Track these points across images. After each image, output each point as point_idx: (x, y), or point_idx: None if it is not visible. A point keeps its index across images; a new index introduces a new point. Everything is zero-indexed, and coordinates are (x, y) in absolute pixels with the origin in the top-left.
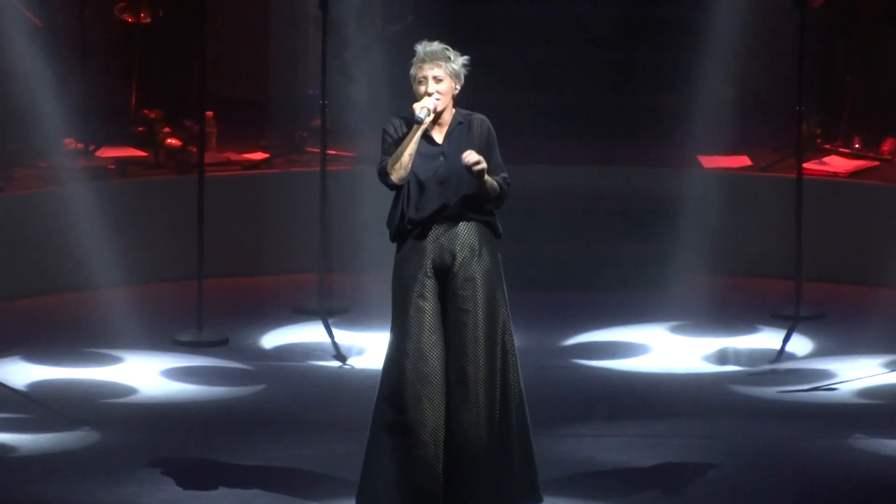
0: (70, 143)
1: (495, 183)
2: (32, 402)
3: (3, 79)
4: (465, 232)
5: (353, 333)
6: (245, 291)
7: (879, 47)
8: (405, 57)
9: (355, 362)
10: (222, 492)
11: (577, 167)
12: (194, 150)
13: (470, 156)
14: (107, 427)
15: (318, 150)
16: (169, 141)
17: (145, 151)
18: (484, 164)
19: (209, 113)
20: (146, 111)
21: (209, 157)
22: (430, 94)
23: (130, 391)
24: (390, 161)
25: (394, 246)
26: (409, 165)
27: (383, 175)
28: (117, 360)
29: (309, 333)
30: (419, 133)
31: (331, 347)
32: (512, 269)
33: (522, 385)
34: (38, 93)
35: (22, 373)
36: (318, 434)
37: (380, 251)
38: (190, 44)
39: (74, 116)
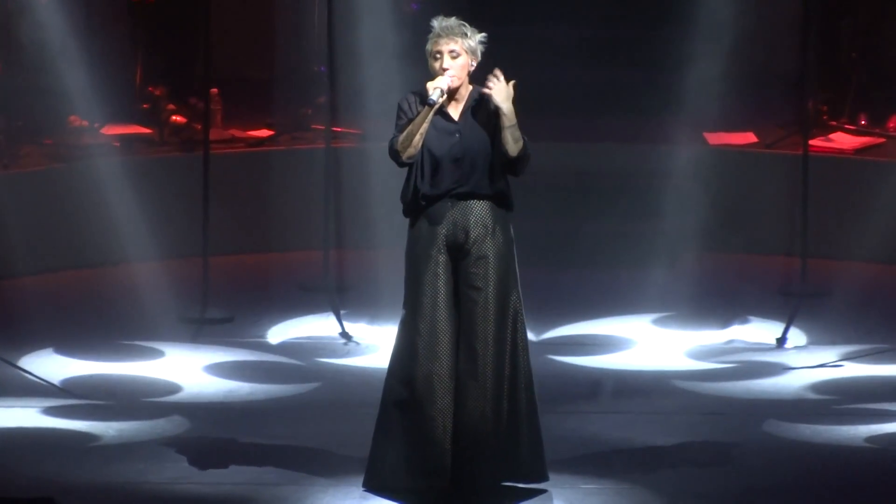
0: (75, 120)
1: (518, 132)
2: (39, 382)
3: (7, 56)
4: (479, 209)
5: (358, 310)
6: (251, 269)
7: (885, 23)
8: (413, 33)
9: (361, 339)
10: (229, 469)
11: (581, 144)
12: (199, 127)
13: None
14: (111, 408)
15: (322, 127)
16: (174, 118)
17: (150, 129)
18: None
19: (214, 90)
20: (151, 88)
21: (214, 135)
22: (445, 70)
23: (135, 375)
24: (401, 140)
25: (402, 224)
26: (420, 145)
27: (393, 152)
28: (126, 346)
29: (314, 310)
30: (431, 114)
31: (336, 324)
32: (524, 243)
33: (531, 365)
34: (43, 70)
35: (44, 363)
36: (324, 412)
37: (386, 228)
38: (194, 20)
39: (79, 94)
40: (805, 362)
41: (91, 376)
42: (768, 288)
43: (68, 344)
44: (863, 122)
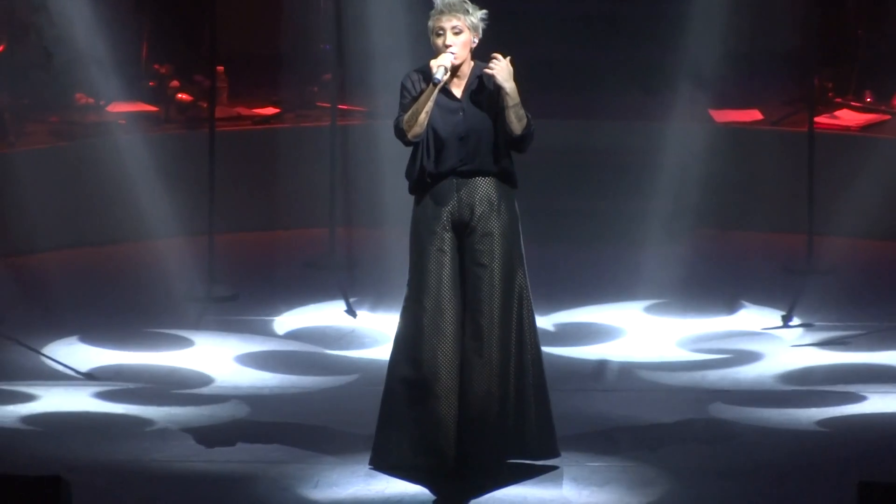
0: (81, 98)
1: (521, 111)
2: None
3: (13, 34)
4: (484, 186)
5: (365, 288)
6: (257, 246)
7: (891, 0)
8: (420, 11)
9: (367, 317)
10: (236, 447)
11: (585, 121)
12: (205, 104)
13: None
14: (118, 390)
15: (328, 105)
16: (179, 96)
17: (156, 106)
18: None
19: (220, 68)
20: (157, 66)
21: (220, 112)
22: (448, 46)
23: (144, 363)
24: (406, 118)
25: (408, 201)
26: (425, 123)
27: (399, 132)
28: (131, 330)
29: (321, 288)
30: (436, 92)
31: (342, 302)
32: (530, 221)
33: (539, 341)
34: (49, 48)
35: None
36: (330, 390)
37: (393, 206)
38: None
39: (85, 71)
40: (811, 340)
41: (98, 360)
42: (774, 265)
43: (76, 324)
44: (868, 99)
